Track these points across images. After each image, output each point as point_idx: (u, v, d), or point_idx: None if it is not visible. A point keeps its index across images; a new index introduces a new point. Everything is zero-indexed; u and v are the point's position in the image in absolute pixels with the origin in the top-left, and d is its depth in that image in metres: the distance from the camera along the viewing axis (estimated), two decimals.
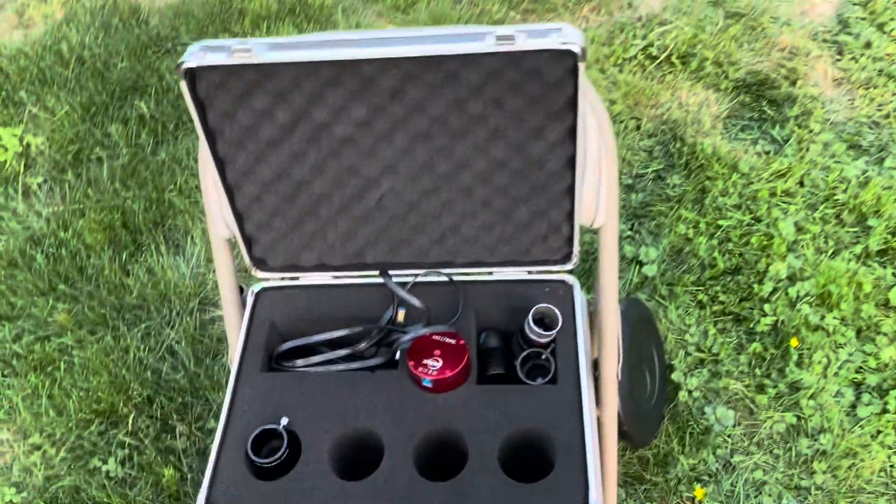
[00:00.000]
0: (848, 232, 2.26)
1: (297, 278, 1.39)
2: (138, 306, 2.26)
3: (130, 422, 2.03)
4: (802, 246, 2.23)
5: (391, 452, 1.18)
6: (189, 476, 1.96)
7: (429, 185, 1.25)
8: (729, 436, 1.94)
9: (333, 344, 1.32)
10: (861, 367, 2.02)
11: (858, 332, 2.08)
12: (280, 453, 1.17)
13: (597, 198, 1.26)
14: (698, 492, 1.85)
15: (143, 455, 1.99)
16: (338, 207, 1.29)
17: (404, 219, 1.30)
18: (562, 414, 1.18)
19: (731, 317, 2.13)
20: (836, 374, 2.01)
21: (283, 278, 1.40)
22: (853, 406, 1.97)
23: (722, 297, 2.15)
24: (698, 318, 2.14)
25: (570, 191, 1.23)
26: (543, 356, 1.25)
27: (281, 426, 1.21)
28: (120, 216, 2.46)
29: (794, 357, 2.03)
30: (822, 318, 2.09)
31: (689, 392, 2.01)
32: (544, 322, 1.25)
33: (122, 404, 2.06)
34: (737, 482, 1.88)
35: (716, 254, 2.22)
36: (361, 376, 1.26)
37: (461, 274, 1.36)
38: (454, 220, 1.29)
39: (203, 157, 1.28)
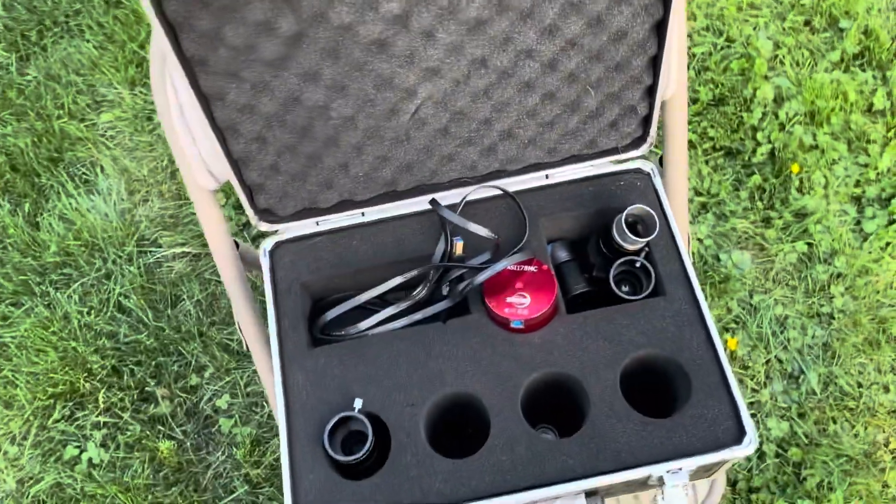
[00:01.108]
0: (822, 39, 2.13)
1: (315, 224, 1.12)
2: (63, 263, 1.91)
3: (101, 399, 1.75)
4: (780, 62, 2.09)
5: (498, 414, 0.99)
6: (187, 443, 1.73)
7: (479, 86, 0.99)
8: (745, 278, 1.87)
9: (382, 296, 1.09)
10: (859, 181, 1.97)
11: (849, 144, 2.00)
12: (368, 446, 0.97)
13: (668, 65, 1.04)
14: (731, 343, 1.79)
15: (127, 432, 1.73)
16: (363, 132, 1.01)
17: (445, 132, 1.04)
18: (681, 330, 1.02)
19: (723, 152, 2.01)
20: (836, 192, 1.95)
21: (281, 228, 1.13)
22: (858, 223, 1.93)
23: (711, 133, 2.02)
24: (690, 160, 2.00)
25: (653, 62, 1.00)
26: (638, 263, 1.07)
27: (356, 411, 1.00)
28: (5, 159, 2.02)
29: (795, 183, 1.95)
30: (814, 136, 2.00)
31: (700, 241, 1.90)
32: (636, 227, 1.05)
33: (83, 381, 1.76)
34: (762, 322, 1.83)
35: (697, 86, 2.06)
36: (431, 330, 1.05)
37: (513, 183, 1.13)
38: (508, 125, 1.04)
39: (164, 97, 0.96)
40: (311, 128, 0.98)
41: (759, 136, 1.99)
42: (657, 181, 1.11)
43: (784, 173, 1.95)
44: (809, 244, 1.90)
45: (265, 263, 1.10)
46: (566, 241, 1.16)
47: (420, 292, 1.07)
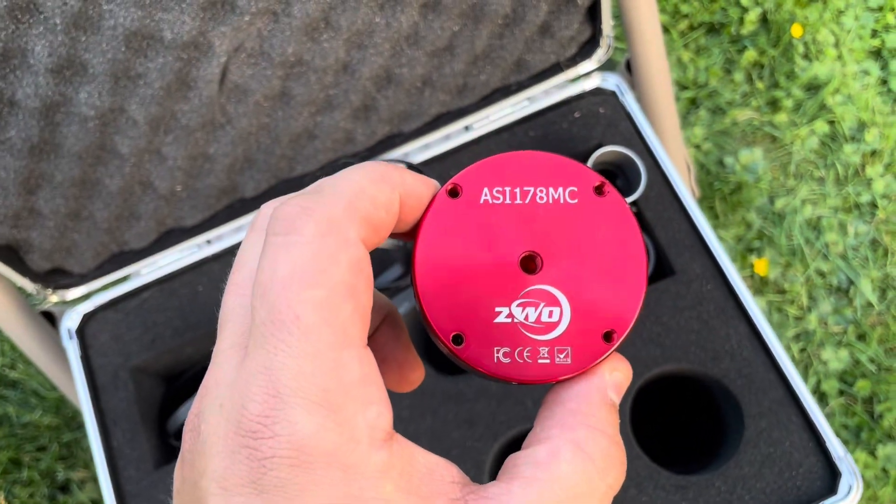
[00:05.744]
0: None
1: (126, 277, 0.75)
2: None
3: (2, 500, 1.41)
4: None
5: None
6: None
7: (312, 12, 0.60)
8: (761, 181, 1.50)
9: None
10: (875, 30, 1.57)
11: None
12: None
13: None
14: (759, 266, 1.43)
15: None
16: (148, 125, 0.63)
17: (283, 97, 0.65)
18: (709, 325, 0.66)
19: (703, 30, 1.61)
20: (850, 50, 1.56)
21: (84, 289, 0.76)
22: (883, 82, 1.55)
23: (684, 8, 1.61)
24: (666, 48, 1.60)
25: None
26: None
27: None
28: None
29: (799, 49, 1.56)
30: None
31: (697, 147, 1.53)
32: (615, 180, 0.68)
33: None
34: (791, 231, 1.47)
35: None
36: None
37: (418, 150, 0.75)
38: (380, 64, 0.66)
39: None
40: (62, 129, 0.60)
41: None
42: (628, 100, 0.73)
43: (783, 40, 1.56)
44: (831, 122, 1.52)
45: (72, 350, 0.73)
46: None
47: None
